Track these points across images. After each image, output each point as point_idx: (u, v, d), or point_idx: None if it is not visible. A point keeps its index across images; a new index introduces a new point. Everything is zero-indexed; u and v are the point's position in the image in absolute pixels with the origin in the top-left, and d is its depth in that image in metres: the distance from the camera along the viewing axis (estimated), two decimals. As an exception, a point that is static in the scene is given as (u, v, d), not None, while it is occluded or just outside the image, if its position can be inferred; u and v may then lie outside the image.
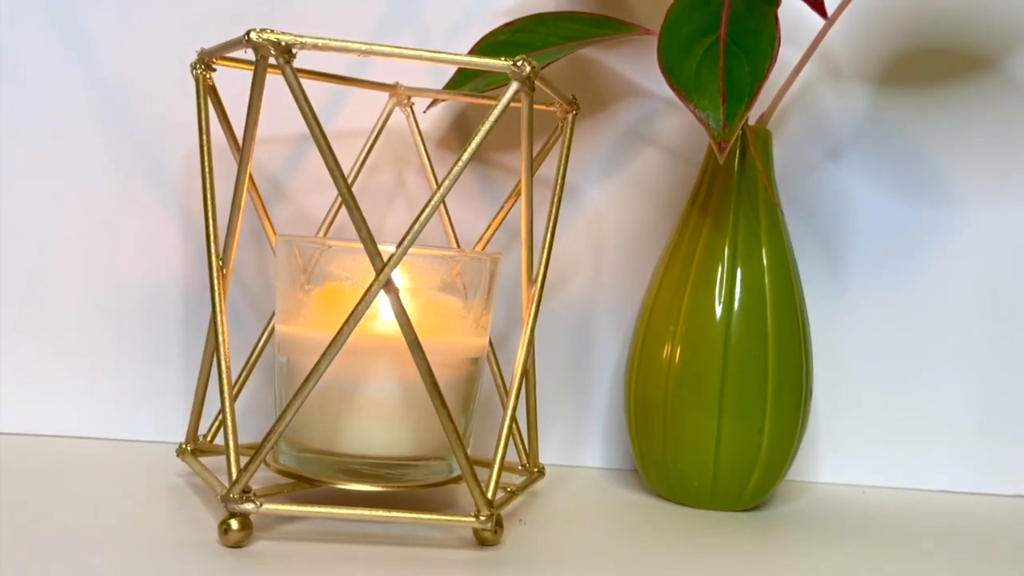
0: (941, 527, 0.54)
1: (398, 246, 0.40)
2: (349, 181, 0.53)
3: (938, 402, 0.62)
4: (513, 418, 0.44)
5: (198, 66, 0.46)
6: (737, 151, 0.53)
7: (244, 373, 0.52)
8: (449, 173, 0.40)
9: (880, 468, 0.62)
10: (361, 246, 0.40)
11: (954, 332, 0.62)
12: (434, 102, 0.56)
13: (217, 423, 0.51)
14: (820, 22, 0.52)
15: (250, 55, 0.41)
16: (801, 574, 0.44)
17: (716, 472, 0.51)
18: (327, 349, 0.40)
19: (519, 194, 0.50)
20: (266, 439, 0.40)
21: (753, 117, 0.54)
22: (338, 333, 0.40)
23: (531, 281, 0.46)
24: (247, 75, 0.42)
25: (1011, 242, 0.62)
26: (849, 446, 0.62)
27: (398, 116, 0.57)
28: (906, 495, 0.60)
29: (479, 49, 0.53)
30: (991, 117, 0.61)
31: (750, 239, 0.52)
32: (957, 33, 0.61)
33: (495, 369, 0.54)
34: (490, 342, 0.51)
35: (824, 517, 0.54)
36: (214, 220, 0.44)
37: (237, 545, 0.40)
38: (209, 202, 0.45)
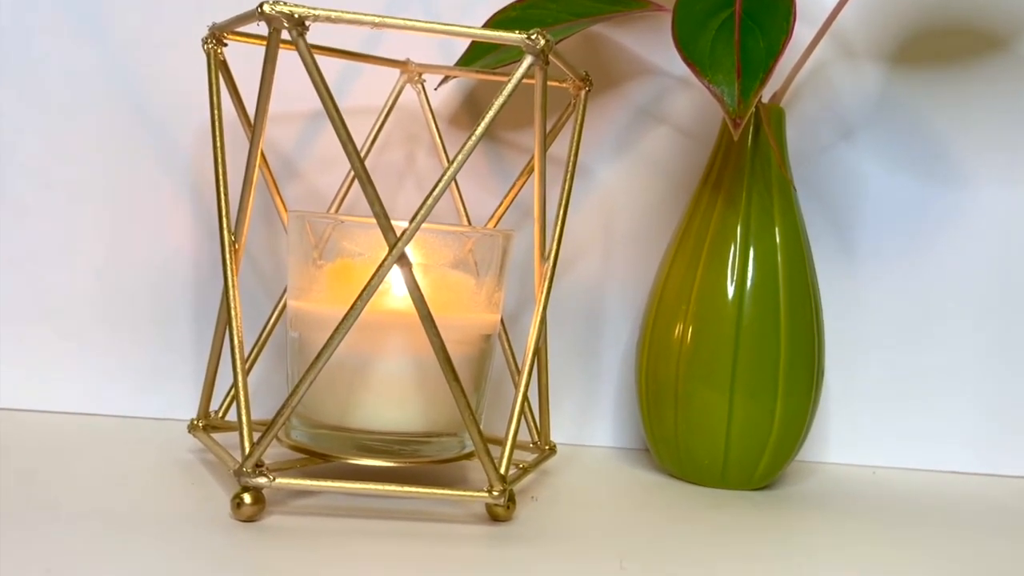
0: (951, 508, 0.54)
1: (411, 221, 0.40)
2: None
3: (949, 383, 0.62)
4: (525, 396, 0.44)
5: (209, 41, 0.45)
6: (750, 129, 0.52)
7: (256, 349, 0.52)
8: (462, 148, 0.40)
9: (890, 449, 0.62)
10: (373, 221, 0.40)
11: (965, 313, 0.62)
12: (445, 79, 0.56)
13: (229, 398, 0.51)
14: (834, 0, 0.52)
15: (262, 29, 0.40)
16: (811, 554, 0.44)
17: (727, 451, 0.51)
18: (339, 325, 0.40)
19: (531, 171, 0.50)
20: (279, 414, 0.40)
21: (766, 95, 0.54)
22: (350, 308, 0.39)
23: (543, 259, 0.46)
24: (259, 51, 0.41)
25: (1022, 221, 0.61)
26: (860, 426, 0.62)
27: (409, 94, 0.57)
28: (916, 476, 0.60)
29: (491, 25, 0.53)
30: (1004, 97, 0.61)
31: (763, 217, 0.52)
32: (970, 12, 0.61)
33: (507, 347, 0.54)
34: (502, 320, 0.51)
35: (834, 497, 0.54)
36: (226, 196, 0.44)
37: (250, 519, 0.40)
38: (221, 178, 0.44)
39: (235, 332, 0.42)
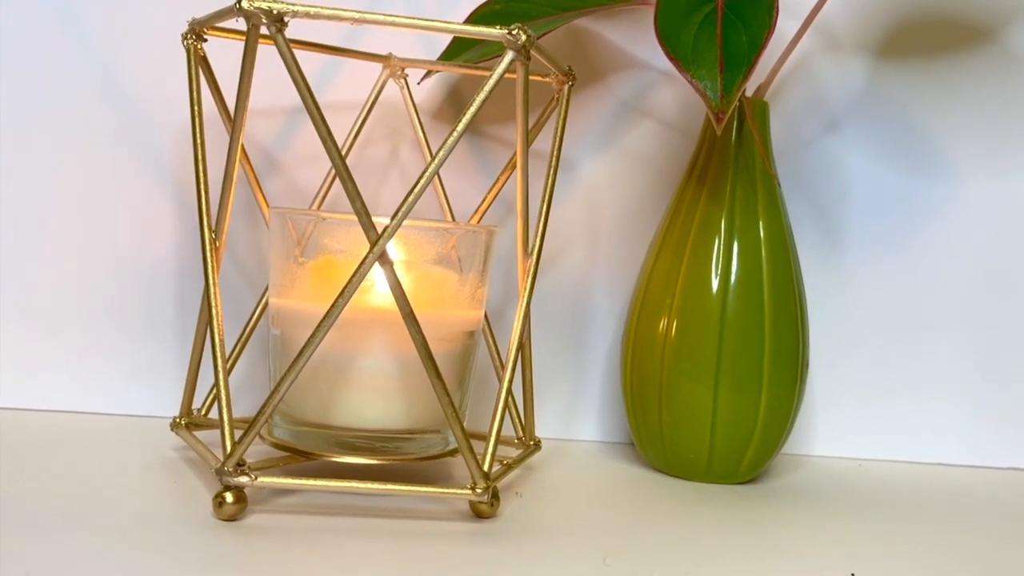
0: (936, 500, 0.54)
1: (392, 218, 0.39)
2: (342, 153, 0.52)
3: (934, 375, 0.62)
4: (509, 391, 0.44)
5: (189, 36, 0.45)
6: (734, 123, 0.52)
7: (238, 347, 0.52)
8: (444, 143, 0.40)
9: (876, 441, 0.62)
10: (355, 218, 0.39)
11: (950, 305, 0.62)
12: (428, 73, 0.56)
13: (211, 397, 0.51)
14: (818, -8, 0.52)
15: (241, 25, 0.40)
16: (796, 547, 0.44)
17: (712, 445, 0.51)
18: (321, 322, 0.39)
19: (515, 166, 0.50)
20: (260, 412, 0.40)
21: (751, 89, 0.54)
22: (332, 306, 0.39)
23: (527, 254, 0.46)
24: (240, 46, 0.41)
25: (1008, 214, 0.61)
26: (845, 419, 0.62)
27: (392, 88, 0.56)
28: (901, 468, 0.60)
29: (474, 19, 0.52)
30: (989, 89, 0.61)
31: (747, 211, 0.52)
32: (955, 4, 0.61)
33: (491, 343, 0.54)
34: (486, 315, 0.51)
35: (819, 490, 0.54)
36: (206, 192, 0.44)
37: (232, 518, 0.40)
38: (201, 175, 0.44)
39: (216, 331, 0.42)
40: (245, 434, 0.40)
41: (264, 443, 0.46)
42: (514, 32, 0.40)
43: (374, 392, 0.44)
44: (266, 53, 0.41)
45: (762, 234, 0.52)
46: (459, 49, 0.54)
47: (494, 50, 0.52)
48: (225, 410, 0.41)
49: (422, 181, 0.39)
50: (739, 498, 0.50)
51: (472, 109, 0.40)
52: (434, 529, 0.41)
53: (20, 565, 0.34)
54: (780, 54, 0.53)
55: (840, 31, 0.60)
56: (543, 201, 0.47)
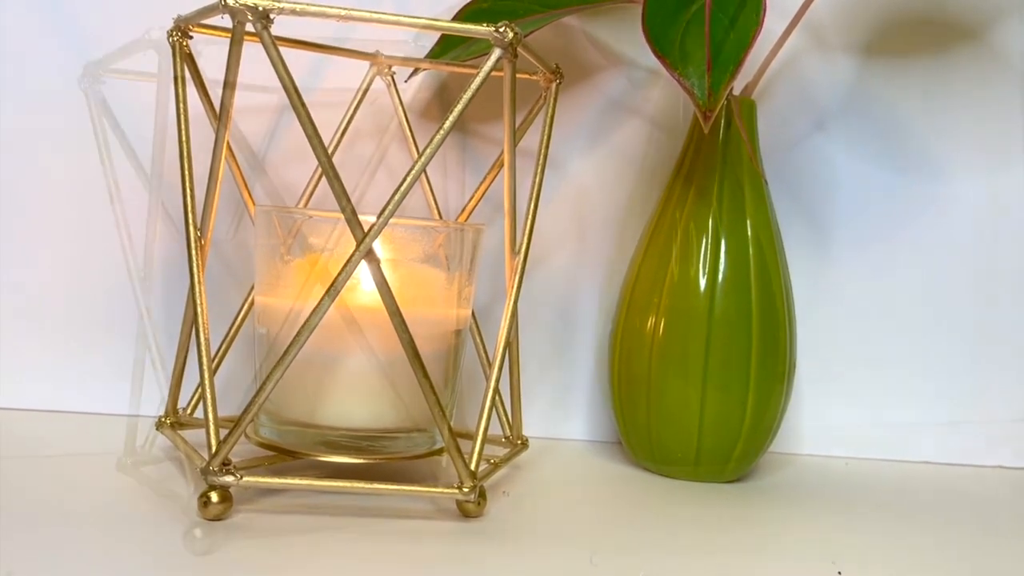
0: (923, 498, 0.54)
1: (379, 216, 0.39)
2: (329, 151, 0.52)
3: (921, 374, 0.62)
4: (496, 390, 0.44)
5: (175, 33, 0.45)
6: (722, 121, 0.52)
7: (224, 345, 0.51)
8: (431, 141, 0.39)
9: (862, 439, 0.62)
10: (341, 216, 0.39)
11: (937, 303, 0.62)
12: (415, 71, 0.56)
13: (197, 396, 0.50)
14: (806, -9, 0.52)
15: (227, 21, 0.40)
16: (784, 545, 0.44)
17: (700, 444, 0.51)
18: (307, 320, 0.39)
19: (502, 164, 0.50)
20: (246, 411, 0.40)
21: (738, 87, 0.54)
22: (318, 304, 0.39)
23: (514, 252, 0.46)
24: (226, 43, 0.41)
25: (995, 212, 0.62)
26: (832, 418, 0.62)
27: (379, 86, 0.56)
28: (888, 466, 0.60)
29: (461, 17, 0.52)
30: (976, 87, 0.61)
31: (734, 210, 0.52)
32: (941, 3, 0.61)
33: (478, 341, 0.53)
34: (473, 314, 0.51)
35: (807, 488, 0.54)
36: (191, 190, 0.44)
37: (217, 518, 0.39)
38: (186, 172, 0.44)
39: (201, 329, 0.42)
40: (230, 433, 0.40)
41: (250, 442, 0.45)
42: (501, 30, 0.40)
43: (360, 391, 0.44)
44: (252, 51, 0.41)
45: (749, 232, 0.52)
46: (446, 47, 0.53)
47: (481, 48, 0.52)
48: (210, 409, 0.41)
49: (409, 179, 0.39)
50: (726, 496, 0.50)
51: (459, 107, 0.40)
52: (421, 528, 0.41)
53: (2, 564, 0.33)
54: (767, 53, 0.53)
55: (827, 30, 0.61)
56: (530, 199, 0.47)
